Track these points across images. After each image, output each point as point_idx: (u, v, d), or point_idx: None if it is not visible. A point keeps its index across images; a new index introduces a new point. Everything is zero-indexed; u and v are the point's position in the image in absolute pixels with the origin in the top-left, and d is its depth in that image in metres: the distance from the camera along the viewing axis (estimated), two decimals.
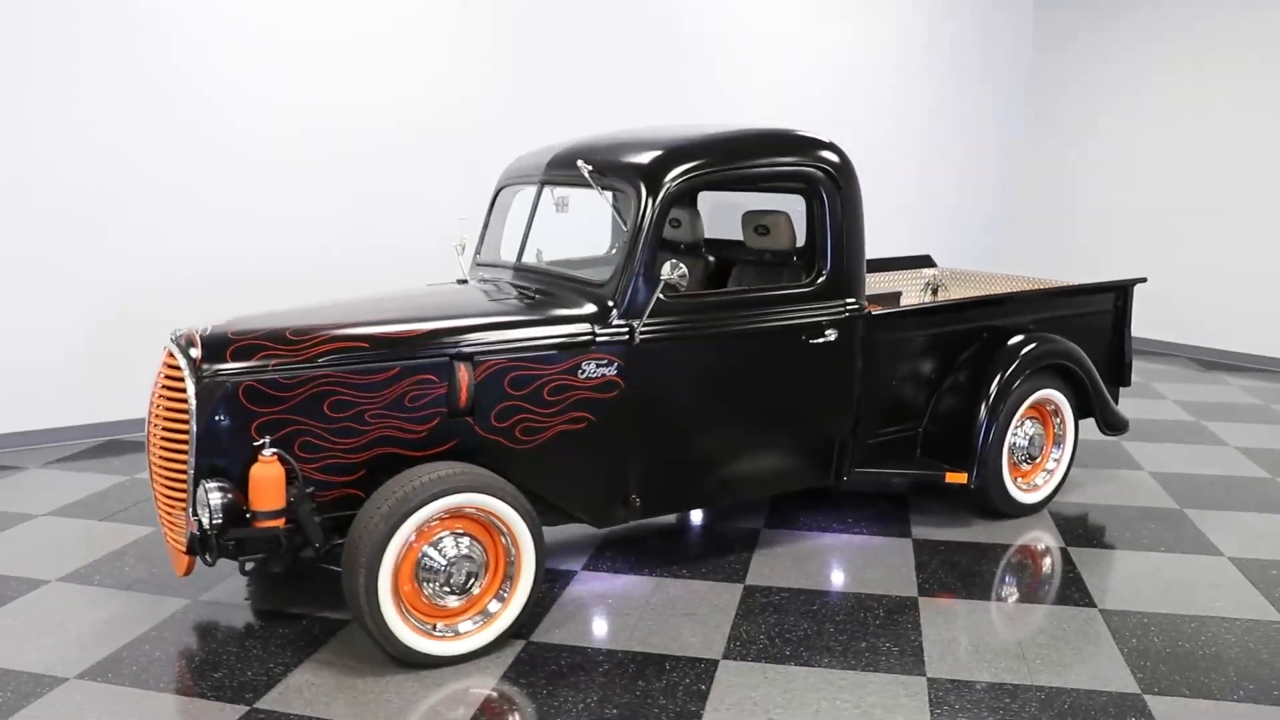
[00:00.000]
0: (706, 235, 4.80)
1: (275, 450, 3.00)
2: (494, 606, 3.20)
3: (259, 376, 3.05)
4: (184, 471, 3.05)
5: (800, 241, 4.09)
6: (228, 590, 3.66)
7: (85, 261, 5.46)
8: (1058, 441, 4.59)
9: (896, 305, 4.48)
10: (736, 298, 3.74)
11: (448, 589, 3.10)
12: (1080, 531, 4.35)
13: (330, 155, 6.05)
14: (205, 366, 3.03)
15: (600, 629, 3.41)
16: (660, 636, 3.36)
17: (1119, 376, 4.97)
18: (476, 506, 3.09)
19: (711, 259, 4.77)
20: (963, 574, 3.89)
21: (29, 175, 5.27)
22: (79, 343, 5.51)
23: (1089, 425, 4.84)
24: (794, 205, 4.06)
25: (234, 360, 3.05)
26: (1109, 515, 4.55)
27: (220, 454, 3.03)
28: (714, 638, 3.35)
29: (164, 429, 3.12)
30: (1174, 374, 7.68)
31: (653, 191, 3.50)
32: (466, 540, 3.12)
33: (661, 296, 3.47)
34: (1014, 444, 4.39)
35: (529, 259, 4.03)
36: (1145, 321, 8.39)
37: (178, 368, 3.10)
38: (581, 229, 4.15)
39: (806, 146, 3.86)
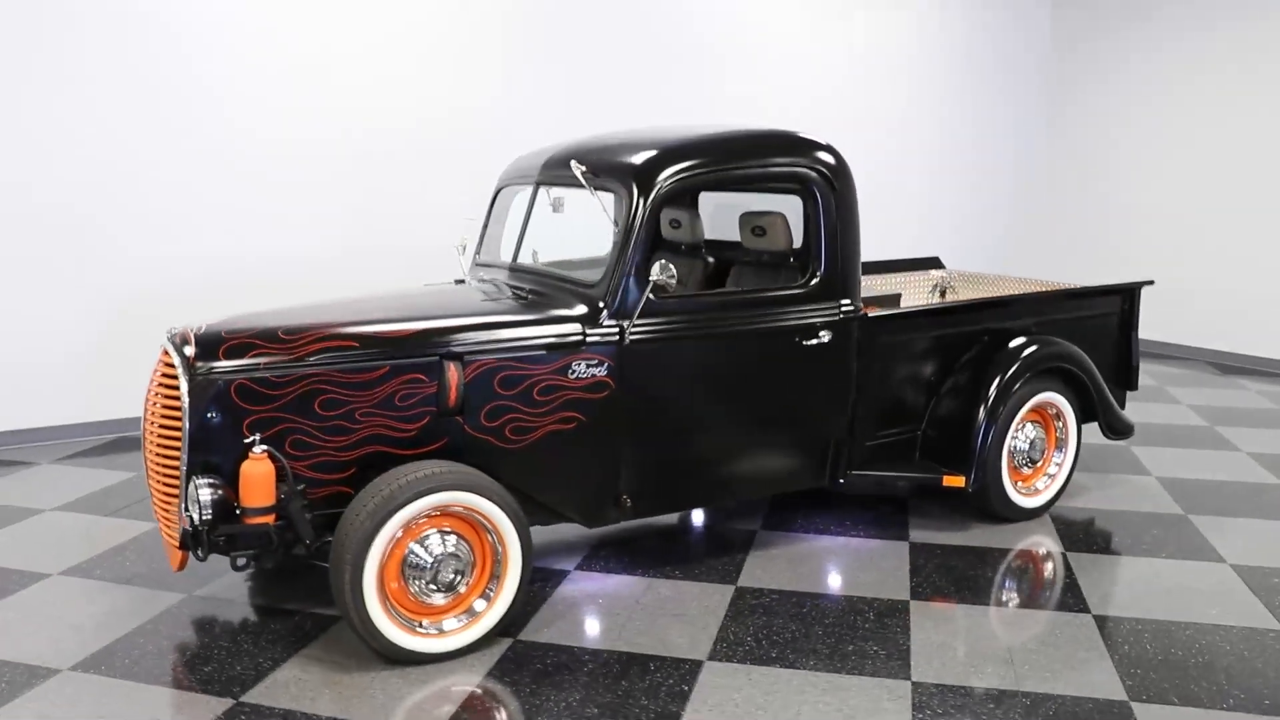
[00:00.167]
0: (707, 236, 4.80)
1: (265, 447, 3.04)
2: (480, 605, 3.21)
3: (251, 374, 3.09)
4: (178, 467, 3.10)
5: (797, 243, 4.08)
6: (224, 585, 3.70)
7: (87, 261, 5.54)
8: (1060, 445, 4.54)
9: (895, 307, 4.45)
10: (728, 299, 3.74)
11: (434, 586, 3.13)
12: (1081, 536, 4.30)
13: (331, 155, 6.10)
14: (199, 364, 3.08)
15: (588, 628, 3.43)
16: (648, 637, 3.36)
17: (1125, 380, 4.91)
18: (463, 505, 3.11)
19: (711, 260, 4.77)
20: (957, 578, 3.86)
21: (31, 176, 5.34)
22: (81, 342, 5.58)
23: (1095, 430, 4.79)
24: (792, 206, 4.04)
25: (227, 358, 3.09)
26: (1112, 520, 4.50)
27: (213, 451, 3.07)
28: (701, 639, 3.35)
29: (159, 426, 3.17)
30: (1190, 378, 7.57)
31: (644, 192, 3.51)
32: (453, 538, 3.14)
33: (651, 297, 3.48)
34: (1014, 447, 4.35)
35: (524, 259, 4.05)
36: (1162, 325, 8.30)
37: (173, 365, 3.15)
38: (579, 229, 4.16)
39: (801, 147, 3.85)
